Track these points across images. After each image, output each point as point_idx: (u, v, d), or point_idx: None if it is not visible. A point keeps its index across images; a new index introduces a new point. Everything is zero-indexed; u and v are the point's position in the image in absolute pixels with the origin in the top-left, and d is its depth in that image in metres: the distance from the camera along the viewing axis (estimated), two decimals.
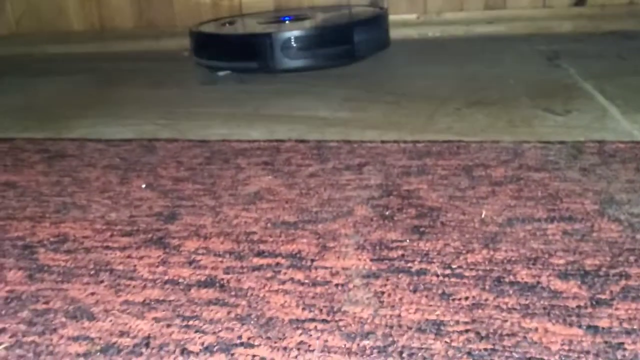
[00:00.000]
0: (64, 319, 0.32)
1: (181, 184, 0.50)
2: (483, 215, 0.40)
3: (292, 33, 0.84)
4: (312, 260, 0.36)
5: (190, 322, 0.31)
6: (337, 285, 0.34)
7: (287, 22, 0.96)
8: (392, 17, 1.08)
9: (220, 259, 0.37)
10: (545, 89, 0.71)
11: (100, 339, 0.30)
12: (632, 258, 0.34)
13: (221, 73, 0.89)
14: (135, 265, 0.37)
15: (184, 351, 0.29)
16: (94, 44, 1.15)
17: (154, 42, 1.12)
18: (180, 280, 0.35)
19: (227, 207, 0.45)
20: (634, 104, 0.62)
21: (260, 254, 0.38)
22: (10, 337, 0.31)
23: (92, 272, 0.37)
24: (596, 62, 0.82)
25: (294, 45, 0.84)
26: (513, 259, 0.35)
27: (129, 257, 0.38)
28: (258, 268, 0.36)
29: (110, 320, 0.32)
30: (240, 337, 0.30)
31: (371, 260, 0.36)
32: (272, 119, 0.67)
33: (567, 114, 0.61)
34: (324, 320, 0.31)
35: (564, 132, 0.55)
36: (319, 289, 0.33)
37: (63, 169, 0.55)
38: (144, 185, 0.50)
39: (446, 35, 1.05)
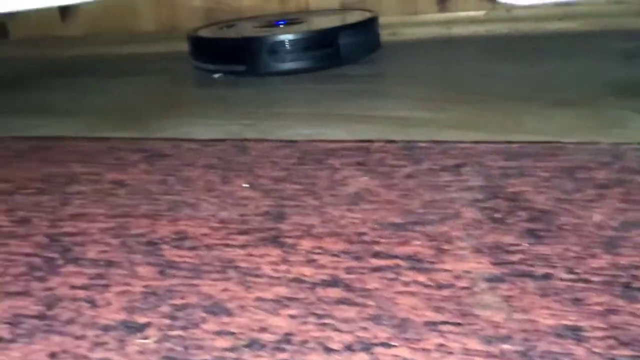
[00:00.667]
0: (203, 314, 0.34)
1: (281, 184, 0.51)
2: (597, 219, 0.40)
3: (280, 37, 0.88)
4: (432, 263, 0.37)
5: (325, 321, 0.32)
6: (462, 288, 0.34)
7: (280, 26, 1.00)
8: (459, 14, 1.07)
9: (338, 259, 0.39)
10: (629, 88, 0.69)
11: (242, 334, 0.32)
12: None
13: (216, 75, 0.93)
14: (258, 263, 0.39)
15: (325, 349, 0.30)
16: (165, 44, 1.18)
17: None
18: (305, 278, 0.37)
19: (331, 208, 0.46)
20: None
21: (376, 255, 0.39)
22: (158, 330, 0.33)
23: (219, 269, 0.38)
24: None
25: (282, 48, 0.88)
26: (637, 264, 0.35)
27: (250, 255, 0.40)
28: (378, 269, 0.37)
29: (248, 316, 0.33)
30: (377, 337, 0.31)
31: (492, 263, 0.36)
32: (350, 119, 0.68)
33: None
34: (457, 324, 0.31)
35: None
36: (445, 292, 0.34)
37: (165, 168, 0.57)
38: (246, 185, 0.52)
39: (515, 32, 1.04)
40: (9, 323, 0.35)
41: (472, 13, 1.05)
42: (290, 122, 0.70)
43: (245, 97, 0.83)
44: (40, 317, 0.35)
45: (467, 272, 0.36)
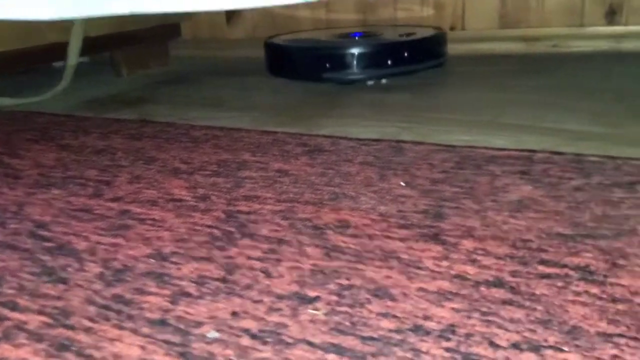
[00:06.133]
0: (368, 296, 0.36)
1: (439, 185, 0.52)
2: None
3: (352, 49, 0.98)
4: (605, 276, 0.35)
5: (490, 318, 0.33)
6: (639, 304, 0.32)
7: (357, 38, 1.08)
8: (630, 28, 0.99)
9: (502, 262, 0.38)
10: None
11: (407, 319, 0.33)
12: None
13: (383, 80, 0.98)
14: (420, 257, 0.40)
15: (491, 344, 0.30)
16: None
17: None
18: (468, 276, 0.37)
19: (492, 212, 0.46)
20: None
21: (544, 262, 0.38)
22: (326, 304, 0.35)
23: (382, 257, 0.40)
24: None
25: (354, 59, 0.97)
26: None
27: (411, 248, 0.41)
28: (546, 276, 0.36)
29: (411, 304, 0.34)
30: (546, 340, 0.30)
31: None
32: (517, 129, 0.67)
33: None
34: (635, 338, 0.30)
35: None
36: (620, 306, 0.32)
37: (325, 162, 0.61)
38: (403, 183, 0.53)
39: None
40: (195, 282, 0.40)
41: (599, 28, 0.97)
42: (448, 127, 0.70)
43: (399, 101, 0.85)
44: (222, 280, 0.39)
45: None
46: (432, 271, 0.38)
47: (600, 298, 0.33)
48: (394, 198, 0.50)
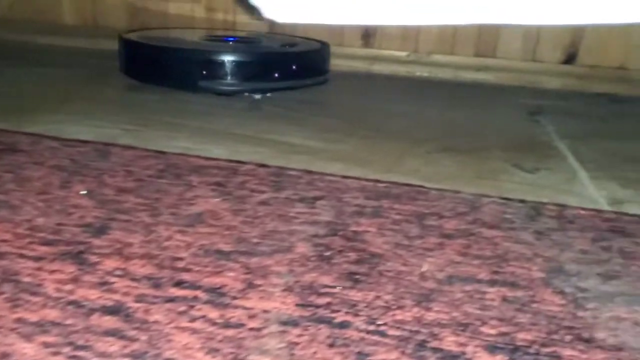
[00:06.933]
0: None
1: (123, 195, 0.47)
2: (424, 269, 0.38)
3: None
4: (234, 298, 0.34)
5: (79, 353, 0.28)
6: (251, 329, 0.31)
7: (230, 42, 0.94)
8: (383, 52, 1.07)
9: (135, 284, 0.35)
10: (520, 143, 0.69)
11: None
12: (568, 337, 0.32)
13: (257, 96, 0.86)
14: (43, 280, 0.34)
15: None
16: (84, 39, 1.13)
17: None
18: (85, 303, 0.33)
19: (162, 227, 0.43)
20: (606, 170, 0.60)
21: (179, 283, 0.35)
22: None
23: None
24: (577, 122, 0.81)
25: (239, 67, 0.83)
26: (443, 321, 0.33)
27: (40, 269, 0.36)
28: (173, 299, 0.33)
29: None
30: None
31: (296, 305, 0.33)
32: (241, 139, 0.65)
33: (536, 171, 0.59)
34: None
35: (528, 191, 0.53)
36: (230, 332, 0.31)
37: (10, 164, 0.52)
38: (84, 192, 0.47)
39: (434, 77, 1.05)
40: None
41: (395, 52, 1.05)
42: (175, 133, 0.66)
43: (145, 103, 0.79)
44: None
45: (266, 312, 0.33)
46: (48, 297, 0.33)
47: (215, 323, 0.31)
48: (62, 208, 0.44)
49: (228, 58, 0.83)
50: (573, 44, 1.00)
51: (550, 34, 1.01)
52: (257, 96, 0.84)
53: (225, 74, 0.83)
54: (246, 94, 0.84)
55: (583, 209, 0.49)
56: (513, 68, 1.02)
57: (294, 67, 0.86)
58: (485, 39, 1.03)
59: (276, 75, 0.85)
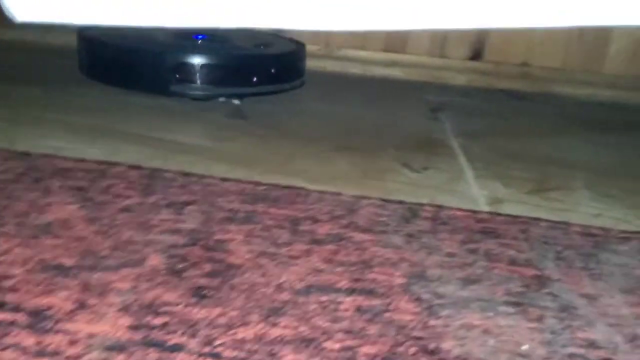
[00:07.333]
0: None
1: None
2: (282, 280, 0.36)
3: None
4: (58, 321, 0.31)
5: None
6: (68, 357, 0.28)
7: (199, 41, 0.85)
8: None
9: None
10: (415, 141, 0.69)
11: None
12: (412, 349, 0.31)
13: (236, 101, 0.78)
14: None
15: None
16: None
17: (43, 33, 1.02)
18: None
19: (2, 239, 0.38)
20: (492, 169, 0.61)
21: (2, 306, 0.31)
22: None
23: None
24: (476, 119, 0.82)
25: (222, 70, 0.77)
26: (287, 338, 0.31)
27: None
28: None
29: None
30: None
31: (128, 327, 0.31)
32: (122, 137, 0.61)
33: (424, 171, 0.59)
34: None
35: (410, 191, 0.53)
36: None
37: None
38: None
39: (345, 72, 1.04)
40: None
41: (309, 47, 1.03)
42: (51, 131, 0.61)
43: (38, 98, 0.73)
44: None
45: (92, 336, 0.30)
46: None
47: (27, 352, 0.28)
48: None
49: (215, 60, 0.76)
50: (479, 40, 1.02)
51: (458, 30, 1.02)
52: (237, 101, 0.77)
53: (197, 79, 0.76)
54: (222, 99, 0.77)
55: (460, 209, 0.49)
56: (420, 64, 1.03)
57: (272, 70, 0.80)
58: (395, 34, 1.03)
59: (255, 79, 0.78)
